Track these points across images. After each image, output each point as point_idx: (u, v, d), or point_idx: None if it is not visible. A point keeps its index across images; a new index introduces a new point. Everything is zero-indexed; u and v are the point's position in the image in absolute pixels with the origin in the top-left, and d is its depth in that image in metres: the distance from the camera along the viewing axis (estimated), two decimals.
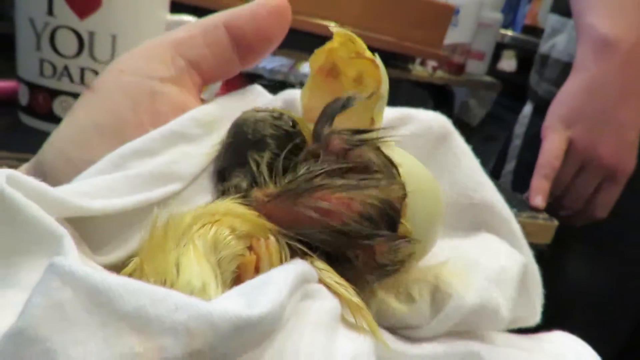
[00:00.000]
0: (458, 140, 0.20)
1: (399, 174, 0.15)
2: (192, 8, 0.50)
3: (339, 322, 0.13)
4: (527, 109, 0.75)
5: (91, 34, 0.33)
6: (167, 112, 0.16)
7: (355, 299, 0.13)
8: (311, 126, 0.16)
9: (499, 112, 1.17)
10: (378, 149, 0.15)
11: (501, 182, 0.72)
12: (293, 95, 0.19)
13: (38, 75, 0.34)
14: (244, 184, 0.15)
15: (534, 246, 0.49)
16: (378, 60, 0.16)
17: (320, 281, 0.13)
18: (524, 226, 0.50)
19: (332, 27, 0.16)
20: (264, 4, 0.18)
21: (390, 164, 0.15)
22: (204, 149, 0.16)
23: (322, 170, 0.14)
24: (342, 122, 0.16)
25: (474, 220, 0.19)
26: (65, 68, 0.34)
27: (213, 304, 0.10)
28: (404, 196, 0.15)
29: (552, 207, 0.56)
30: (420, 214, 0.15)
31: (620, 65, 0.51)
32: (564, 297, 0.58)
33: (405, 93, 1.09)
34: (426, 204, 0.16)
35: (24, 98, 0.36)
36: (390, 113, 0.19)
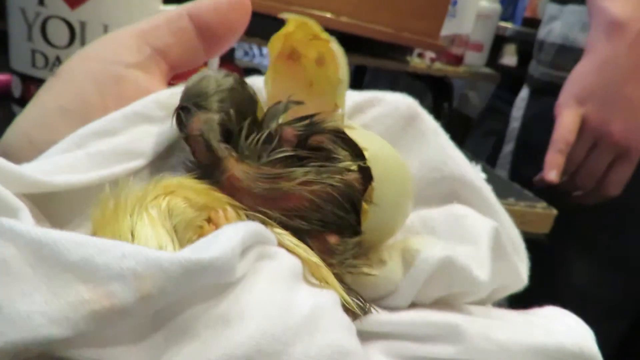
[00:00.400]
0: (426, 119, 0.20)
1: (364, 158, 0.15)
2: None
3: (299, 279, 0.13)
4: (524, 92, 0.76)
5: (82, 24, 0.33)
6: (132, 97, 0.16)
7: (314, 258, 0.13)
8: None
9: (500, 106, 1.16)
10: (343, 133, 0.15)
11: (499, 164, 0.72)
12: (258, 81, 0.20)
13: (30, 67, 0.34)
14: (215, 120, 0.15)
15: (532, 235, 0.49)
16: (334, 43, 0.16)
17: (279, 244, 0.13)
18: (522, 215, 0.50)
19: (285, 14, 0.16)
20: None
21: (355, 149, 0.15)
22: (166, 129, 0.16)
23: (283, 155, 0.14)
24: (306, 109, 0.16)
25: (445, 193, 0.20)
26: (57, 59, 0.34)
27: (162, 251, 0.10)
28: (370, 180, 0.15)
29: (566, 187, 0.56)
30: (388, 196, 0.15)
31: (630, 44, 0.52)
32: (561, 287, 0.58)
33: (403, 85, 1.08)
34: (393, 186, 0.16)
35: (17, 90, 0.36)
36: (359, 97, 0.20)
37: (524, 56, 1.15)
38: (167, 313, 0.11)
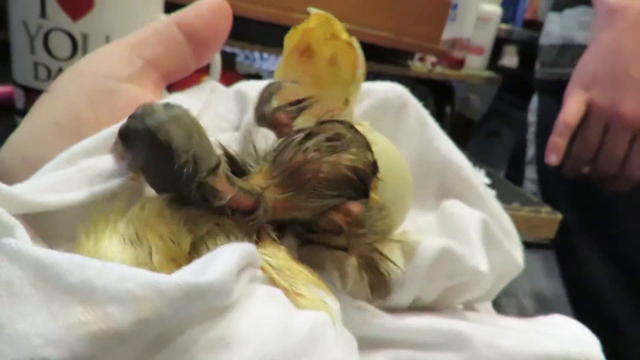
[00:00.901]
0: (415, 109, 0.20)
1: (371, 152, 0.15)
2: None
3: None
4: (534, 100, 0.77)
5: (85, 36, 0.33)
6: (125, 110, 0.16)
7: (286, 284, 0.13)
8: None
9: (502, 108, 1.16)
10: (352, 127, 0.15)
11: (527, 169, 0.73)
12: (245, 86, 0.20)
13: (33, 79, 0.34)
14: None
15: (537, 240, 0.49)
16: (356, 43, 0.16)
17: (264, 271, 0.13)
18: (527, 220, 0.49)
19: (311, 8, 0.16)
20: (204, 3, 0.19)
21: (364, 141, 0.15)
22: None
23: (298, 140, 0.14)
24: (316, 103, 0.16)
25: (435, 185, 0.20)
26: (60, 71, 0.34)
27: (161, 274, 0.10)
28: (376, 171, 0.15)
29: (593, 176, 0.57)
30: (390, 192, 0.15)
31: (630, 28, 0.53)
32: (568, 290, 0.58)
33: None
34: (396, 183, 0.16)
35: (19, 102, 0.36)
36: None
37: (525, 58, 1.15)
38: (165, 337, 0.10)
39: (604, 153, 0.55)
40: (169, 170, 0.13)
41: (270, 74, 0.97)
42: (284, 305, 0.12)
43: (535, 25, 1.13)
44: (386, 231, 0.16)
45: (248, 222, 0.14)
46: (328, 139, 0.14)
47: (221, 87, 0.21)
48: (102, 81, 0.17)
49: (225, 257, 0.11)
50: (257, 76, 0.89)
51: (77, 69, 0.17)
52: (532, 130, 0.76)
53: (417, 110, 0.20)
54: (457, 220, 0.18)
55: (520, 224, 0.46)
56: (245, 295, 0.12)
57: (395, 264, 0.15)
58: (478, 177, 0.21)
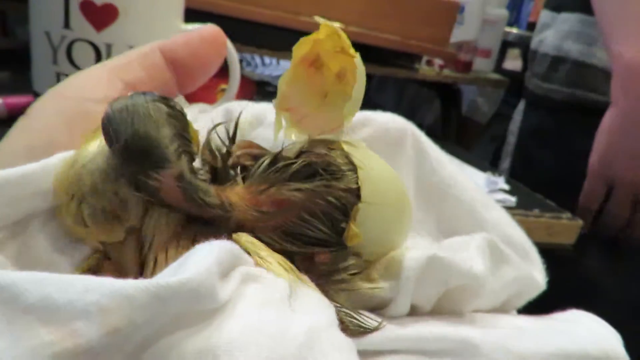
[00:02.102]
0: (415, 140, 0.20)
1: (357, 178, 0.14)
2: (206, 15, 0.49)
3: (292, 299, 0.12)
4: (521, 104, 0.76)
5: (108, 46, 0.33)
6: None
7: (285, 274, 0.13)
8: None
9: (507, 111, 1.16)
10: (342, 150, 0.15)
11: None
12: (232, 107, 0.20)
13: None
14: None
15: (558, 246, 0.48)
16: (358, 60, 0.16)
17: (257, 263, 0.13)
18: (549, 227, 0.49)
19: (319, 18, 0.16)
20: (198, 32, 0.20)
21: (349, 167, 0.15)
22: None
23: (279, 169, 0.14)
24: (312, 121, 0.16)
25: (434, 219, 0.20)
26: None
27: (128, 280, 0.10)
28: (358, 200, 0.14)
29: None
30: (375, 221, 0.15)
31: None
32: (587, 296, 0.58)
33: (411, 93, 1.08)
34: (383, 211, 0.15)
35: None
36: None
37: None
38: (146, 346, 0.10)
39: (636, 221, 0.54)
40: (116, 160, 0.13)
41: (274, 80, 0.97)
42: (280, 308, 0.11)
43: None
44: (360, 275, 0.15)
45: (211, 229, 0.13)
46: (309, 165, 0.14)
47: (209, 107, 0.21)
48: (80, 103, 0.17)
49: (202, 253, 0.11)
50: (266, 83, 0.89)
51: (56, 91, 0.17)
52: (511, 141, 0.74)
53: (417, 142, 0.20)
54: (456, 241, 0.17)
55: (541, 230, 0.46)
56: (236, 297, 0.11)
57: (364, 318, 0.14)
58: (485, 200, 0.20)
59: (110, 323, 0.09)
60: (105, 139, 0.13)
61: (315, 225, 0.14)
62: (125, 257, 0.14)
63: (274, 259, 0.13)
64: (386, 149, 0.20)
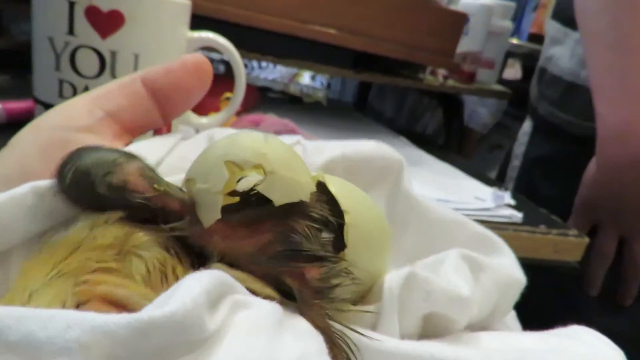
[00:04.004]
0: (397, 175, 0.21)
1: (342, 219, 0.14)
2: (212, 21, 0.49)
3: (281, 326, 0.12)
4: (527, 125, 0.71)
5: (113, 54, 0.32)
6: None
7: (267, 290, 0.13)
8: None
9: (505, 121, 1.16)
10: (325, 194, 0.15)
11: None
12: (215, 131, 0.20)
13: (57, 97, 0.33)
14: None
15: (564, 263, 0.48)
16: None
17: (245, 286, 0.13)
18: (555, 244, 0.48)
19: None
20: (182, 61, 0.20)
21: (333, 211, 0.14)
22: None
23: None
24: None
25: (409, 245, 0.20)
26: (86, 89, 0.32)
27: (111, 314, 0.10)
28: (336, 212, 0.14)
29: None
30: (360, 244, 0.15)
31: (632, 161, 0.49)
32: (592, 313, 0.57)
33: (411, 102, 1.08)
34: (368, 234, 0.15)
35: None
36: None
37: (530, 72, 1.15)
38: None
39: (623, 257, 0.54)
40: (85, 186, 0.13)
41: (271, 82, 0.96)
42: (270, 336, 0.11)
43: (540, 39, 1.13)
44: (351, 299, 0.15)
45: (175, 231, 0.13)
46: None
47: (192, 132, 0.22)
48: (58, 132, 0.17)
49: (190, 284, 0.11)
50: (267, 89, 0.88)
51: (37, 121, 0.18)
52: (515, 165, 0.71)
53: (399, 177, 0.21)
54: (430, 261, 0.18)
55: (547, 247, 0.45)
56: (225, 326, 0.11)
57: (355, 334, 0.13)
58: (454, 220, 0.21)
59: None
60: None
61: (297, 242, 0.14)
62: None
63: (262, 287, 0.13)
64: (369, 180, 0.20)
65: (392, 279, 0.15)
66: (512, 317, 0.21)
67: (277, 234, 0.13)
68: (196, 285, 0.11)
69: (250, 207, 0.14)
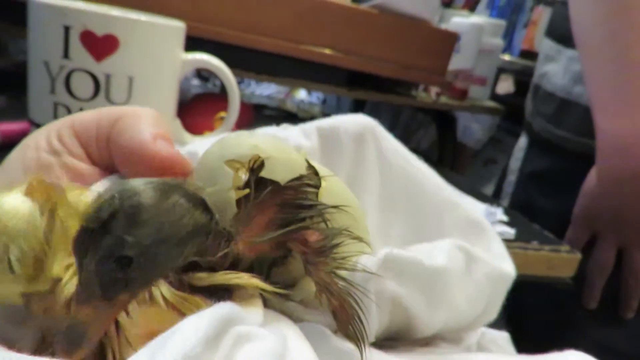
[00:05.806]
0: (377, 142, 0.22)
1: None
2: (207, 43, 0.49)
3: (284, 356, 0.12)
4: (523, 141, 0.72)
5: (108, 77, 0.32)
6: (61, 180, 0.17)
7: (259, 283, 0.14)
8: None
9: (499, 135, 1.17)
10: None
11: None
12: (195, 146, 0.21)
13: (52, 119, 0.33)
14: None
15: (557, 279, 0.48)
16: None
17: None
18: (548, 260, 0.48)
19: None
20: (153, 152, 0.17)
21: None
22: None
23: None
24: None
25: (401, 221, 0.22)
26: (81, 111, 0.33)
27: None
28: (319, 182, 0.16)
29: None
30: (342, 214, 0.16)
31: (632, 176, 0.49)
32: (586, 330, 0.57)
33: (406, 117, 1.09)
34: (348, 208, 0.16)
35: None
36: None
37: (522, 87, 1.17)
38: None
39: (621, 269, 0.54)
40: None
41: (267, 98, 0.96)
42: None
43: (532, 55, 1.15)
44: (346, 257, 0.16)
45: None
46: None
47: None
48: (39, 154, 0.18)
49: (188, 330, 0.10)
50: (263, 106, 0.89)
51: (25, 142, 0.18)
52: (510, 180, 0.71)
53: (378, 144, 0.22)
54: (423, 247, 0.19)
55: (540, 263, 0.45)
56: None
57: (353, 286, 0.15)
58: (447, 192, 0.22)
59: None
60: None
61: (296, 207, 0.15)
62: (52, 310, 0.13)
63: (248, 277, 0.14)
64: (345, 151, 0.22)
65: (368, 260, 0.16)
66: (506, 340, 0.21)
67: (280, 207, 0.14)
68: (195, 331, 0.11)
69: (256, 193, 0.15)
